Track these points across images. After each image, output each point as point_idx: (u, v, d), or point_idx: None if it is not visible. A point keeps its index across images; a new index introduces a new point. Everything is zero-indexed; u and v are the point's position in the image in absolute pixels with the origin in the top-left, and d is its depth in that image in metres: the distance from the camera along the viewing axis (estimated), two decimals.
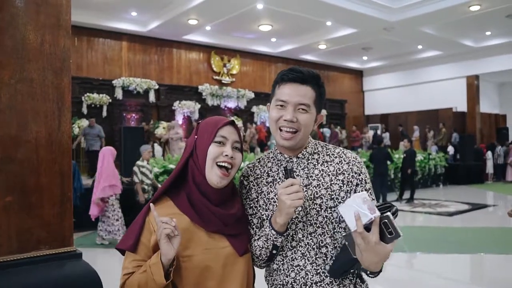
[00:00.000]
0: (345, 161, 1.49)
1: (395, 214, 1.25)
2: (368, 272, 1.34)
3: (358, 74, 22.54)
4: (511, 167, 16.20)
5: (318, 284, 1.41)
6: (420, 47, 17.96)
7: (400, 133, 18.36)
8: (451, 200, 11.48)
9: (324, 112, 16.73)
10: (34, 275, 1.68)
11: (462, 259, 6.07)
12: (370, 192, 1.48)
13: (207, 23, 14.19)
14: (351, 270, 1.36)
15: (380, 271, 1.34)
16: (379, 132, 19.07)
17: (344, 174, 1.47)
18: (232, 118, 1.45)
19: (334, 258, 1.41)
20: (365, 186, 1.48)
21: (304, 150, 1.50)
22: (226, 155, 1.37)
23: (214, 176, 1.37)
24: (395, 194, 11.69)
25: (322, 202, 1.43)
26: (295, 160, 1.49)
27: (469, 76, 18.61)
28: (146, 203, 1.55)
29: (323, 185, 1.44)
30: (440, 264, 5.70)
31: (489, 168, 16.45)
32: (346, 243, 1.34)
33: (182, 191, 1.40)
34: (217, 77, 17.24)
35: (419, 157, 13.86)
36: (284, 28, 15.37)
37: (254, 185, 1.52)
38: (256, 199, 1.50)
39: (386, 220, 1.22)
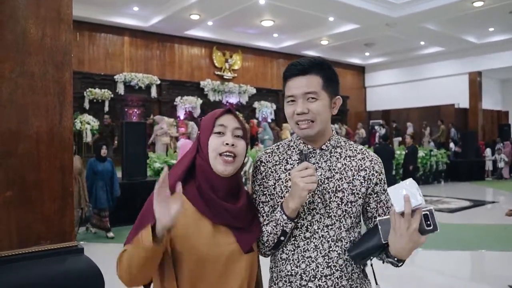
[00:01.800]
0: (367, 158, 1.50)
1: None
2: (396, 259, 1.34)
3: (360, 70, 22.49)
4: (505, 165, 16.20)
5: (328, 277, 1.40)
6: (422, 43, 17.90)
7: (394, 129, 18.33)
8: (452, 196, 11.47)
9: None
10: (35, 270, 1.68)
11: (463, 256, 6.05)
12: (388, 193, 1.49)
13: (209, 18, 14.15)
14: (371, 257, 1.37)
15: (403, 261, 1.36)
16: (376, 128, 19.01)
17: (366, 170, 1.48)
18: (228, 108, 1.43)
19: (358, 242, 1.41)
20: (383, 186, 1.51)
21: (328, 142, 1.50)
22: (227, 144, 1.36)
23: (218, 165, 1.36)
24: None
25: (344, 196, 1.44)
26: (318, 151, 1.49)
27: (472, 73, 18.54)
28: None
29: (345, 179, 1.45)
30: (441, 261, 5.69)
31: (489, 165, 16.43)
32: (379, 227, 1.34)
33: (192, 182, 1.38)
34: (218, 73, 17.21)
35: (421, 153, 13.84)
36: (286, 24, 15.31)
37: (272, 172, 1.51)
38: (273, 186, 1.50)
39: (428, 212, 1.26)
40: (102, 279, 1.83)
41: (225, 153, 1.36)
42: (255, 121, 15.90)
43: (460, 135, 17.18)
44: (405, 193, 1.26)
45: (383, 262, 1.43)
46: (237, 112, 16.20)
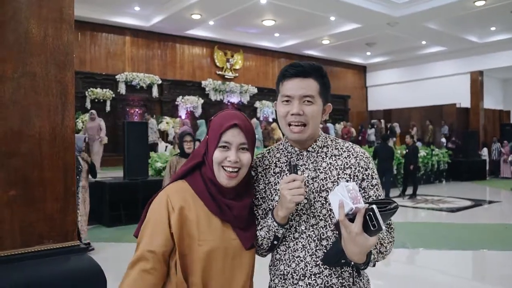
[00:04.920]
0: (353, 155, 1.50)
1: (393, 209, 1.25)
2: (355, 263, 1.34)
3: (362, 70, 22.47)
4: (504, 164, 16.21)
5: (317, 275, 1.42)
6: (424, 42, 17.87)
7: (389, 129, 18.30)
8: (454, 196, 11.46)
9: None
10: (38, 269, 1.69)
11: (464, 255, 6.05)
12: (377, 188, 1.49)
13: (210, 17, 14.15)
14: (342, 261, 1.36)
15: (367, 263, 1.34)
16: (370, 127, 18.99)
17: (351, 168, 1.48)
18: (235, 121, 1.41)
19: (331, 245, 1.42)
20: (371, 181, 1.49)
21: (314, 143, 1.51)
22: (229, 161, 1.38)
23: (221, 179, 1.39)
24: (398, 190, 11.67)
25: (328, 195, 1.43)
26: (305, 153, 1.50)
27: (473, 72, 18.52)
28: None
29: (330, 179, 1.46)
30: (443, 261, 5.69)
31: (486, 165, 16.45)
32: (337, 231, 1.35)
33: (200, 179, 1.43)
34: (220, 72, 17.22)
35: (422, 153, 13.84)
36: (287, 23, 15.31)
37: (262, 176, 1.54)
38: (264, 190, 1.53)
39: (370, 213, 1.22)
40: (104, 278, 1.83)
41: (227, 168, 1.38)
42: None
43: (461, 134, 17.19)
44: (339, 200, 1.25)
45: (353, 266, 1.42)
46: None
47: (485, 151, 16.43)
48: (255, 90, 17.26)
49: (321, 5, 12.65)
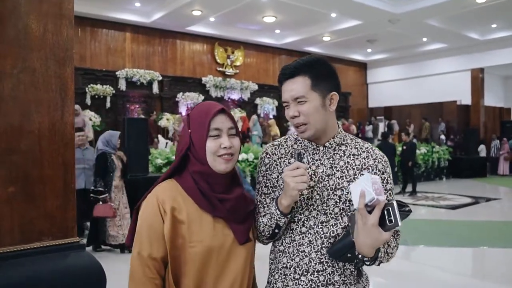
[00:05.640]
0: (372, 157, 1.50)
1: (408, 212, 1.27)
2: (362, 257, 1.33)
3: (362, 67, 22.42)
4: (505, 161, 16.21)
5: (320, 272, 1.42)
6: (425, 39, 17.82)
7: (387, 126, 18.30)
8: (454, 193, 11.46)
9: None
10: (37, 266, 1.68)
11: (465, 252, 6.06)
12: (390, 193, 1.50)
13: (211, 14, 14.12)
14: (348, 255, 1.36)
15: (375, 260, 1.34)
16: (367, 124, 18.99)
17: (368, 169, 1.47)
18: (222, 107, 1.41)
19: (338, 239, 1.42)
20: (385, 185, 1.49)
21: (332, 139, 1.50)
22: (225, 147, 1.37)
23: (218, 165, 1.38)
24: (398, 187, 11.68)
25: (342, 194, 1.44)
26: (322, 149, 1.49)
27: (474, 69, 18.47)
28: None
29: (346, 178, 1.45)
30: (443, 258, 5.70)
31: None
32: (349, 223, 1.35)
33: (189, 176, 1.40)
34: (220, 69, 17.18)
35: (423, 150, 13.84)
36: (288, 20, 15.27)
37: (277, 165, 1.53)
38: (276, 179, 1.51)
39: (389, 208, 1.23)
40: (104, 275, 1.83)
41: (223, 156, 1.38)
42: (243, 115, 15.63)
43: (461, 131, 17.19)
44: (361, 189, 1.26)
45: (358, 261, 1.41)
46: (240, 109, 16.35)
47: (481, 148, 16.43)
48: (256, 87, 17.22)
49: (322, 1, 12.62)
